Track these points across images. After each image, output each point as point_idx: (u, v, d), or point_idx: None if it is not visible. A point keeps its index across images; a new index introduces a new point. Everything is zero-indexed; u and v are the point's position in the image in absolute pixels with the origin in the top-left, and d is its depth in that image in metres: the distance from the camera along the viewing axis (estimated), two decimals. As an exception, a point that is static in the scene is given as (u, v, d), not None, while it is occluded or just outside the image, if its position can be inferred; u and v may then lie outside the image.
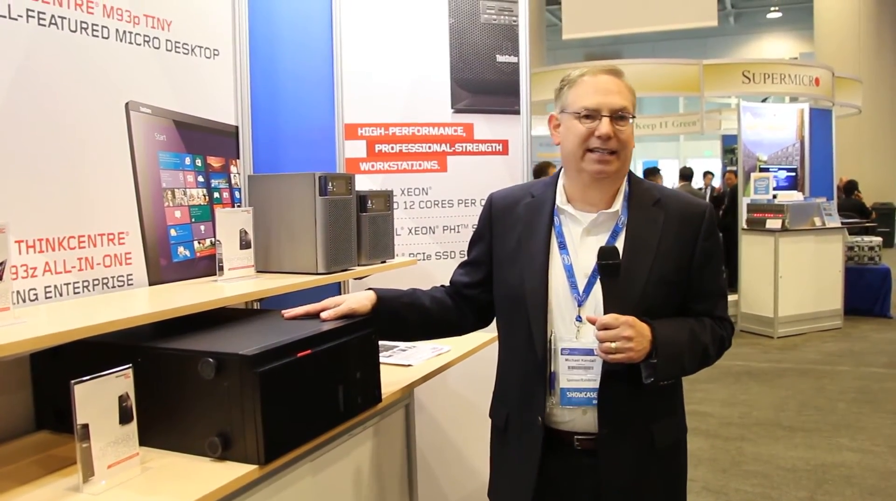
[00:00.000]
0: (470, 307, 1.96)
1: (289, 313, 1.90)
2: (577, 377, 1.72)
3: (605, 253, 1.64)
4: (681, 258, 1.75)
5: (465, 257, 2.01)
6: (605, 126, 1.69)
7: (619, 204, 1.76)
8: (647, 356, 1.64)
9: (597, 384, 1.71)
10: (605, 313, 1.63)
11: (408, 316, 1.91)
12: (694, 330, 1.74)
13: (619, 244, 1.72)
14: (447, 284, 2.01)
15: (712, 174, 14.78)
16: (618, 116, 1.70)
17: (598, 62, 1.86)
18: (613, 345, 1.61)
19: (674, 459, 1.84)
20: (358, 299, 1.88)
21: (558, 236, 1.78)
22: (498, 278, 1.88)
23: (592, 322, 1.64)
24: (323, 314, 1.85)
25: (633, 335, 1.61)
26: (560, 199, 1.81)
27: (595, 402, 1.71)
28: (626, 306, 1.65)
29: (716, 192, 13.01)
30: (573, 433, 1.74)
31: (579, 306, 1.73)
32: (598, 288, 1.70)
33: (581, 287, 1.73)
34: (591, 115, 1.70)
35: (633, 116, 1.73)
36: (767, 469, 4.37)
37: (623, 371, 1.67)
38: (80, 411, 1.40)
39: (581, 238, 1.77)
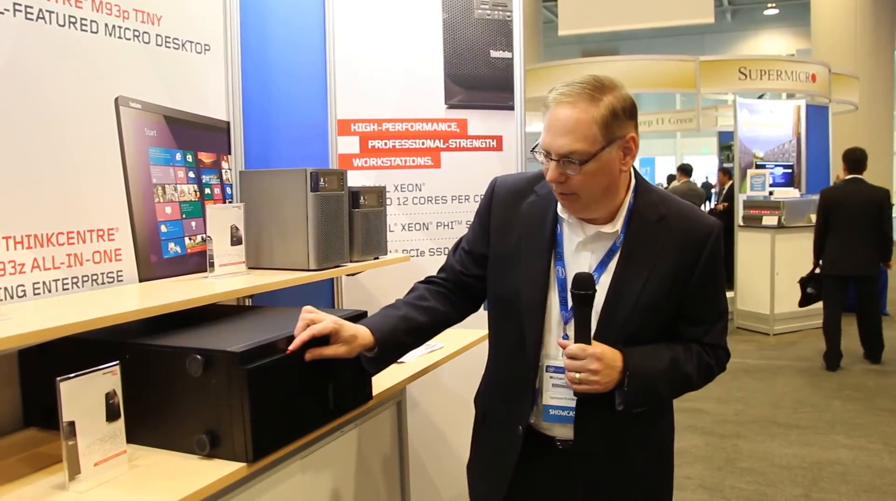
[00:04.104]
0: (465, 294, 1.87)
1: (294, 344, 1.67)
2: (559, 394, 1.68)
3: (579, 282, 1.57)
4: (675, 283, 1.65)
5: (465, 235, 1.90)
6: (550, 172, 1.58)
7: (619, 223, 1.66)
8: (619, 384, 1.60)
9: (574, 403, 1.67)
10: (576, 341, 1.58)
11: (406, 341, 1.79)
12: (676, 358, 1.67)
13: (613, 264, 1.65)
14: (433, 277, 1.90)
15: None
16: (564, 160, 1.55)
17: (582, 67, 1.70)
18: (577, 376, 1.57)
19: (656, 470, 1.80)
20: (352, 334, 1.68)
21: (558, 245, 1.71)
22: (493, 275, 1.81)
23: (563, 348, 1.60)
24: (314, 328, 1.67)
25: (600, 368, 1.56)
26: (562, 208, 1.71)
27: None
28: (607, 332, 1.61)
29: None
30: (554, 437, 1.72)
31: (565, 323, 1.67)
32: None
33: (569, 304, 1.64)
34: (546, 153, 1.59)
35: (590, 158, 1.54)
36: (763, 467, 4.36)
37: (599, 394, 1.61)
38: (66, 408, 1.39)
39: (576, 252, 1.69)
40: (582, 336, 1.58)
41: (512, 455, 1.73)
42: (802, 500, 3.91)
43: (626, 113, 1.58)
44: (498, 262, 1.79)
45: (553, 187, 1.63)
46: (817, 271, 6.58)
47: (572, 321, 1.62)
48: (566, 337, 1.64)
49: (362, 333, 1.68)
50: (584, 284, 1.56)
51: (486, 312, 1.90)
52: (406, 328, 1.76)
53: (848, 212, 6.42)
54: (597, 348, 1.57)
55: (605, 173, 1.58)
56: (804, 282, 6.70)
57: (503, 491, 1.75)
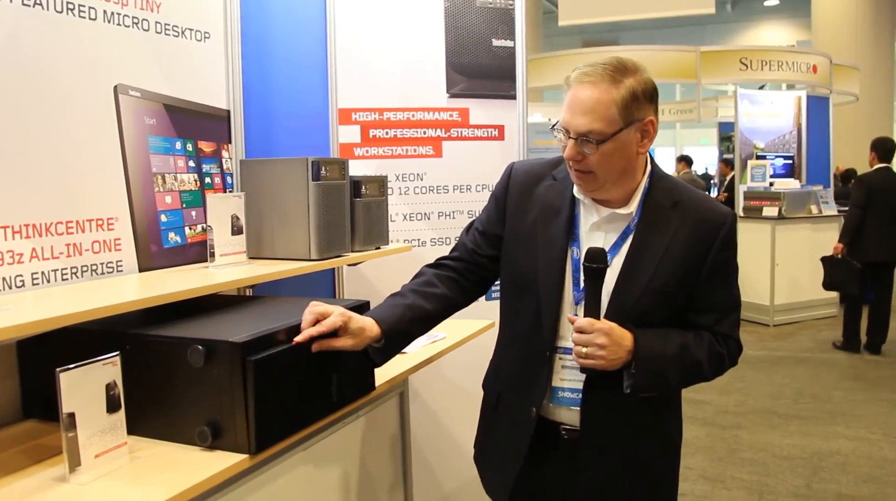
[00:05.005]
0: (476, 275, 1.84)
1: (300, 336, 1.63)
2: (568, 376, 1.68)
3: (592, 255, 1.58)
4: (687, 269, 1.65)
5: (478, 217, 1.88)
6: (568, 149, 1.59)
7: (634, 204, 1.66)
8: (627, 365, 1.59)
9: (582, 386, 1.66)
10: (585, 316, 1.58)
11: (413, 330, 1.78)
12: (686, 345, 1.65)
13: (626, 246, 1.65)
14: (443, 259, 1.87)
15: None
16: (582, 139, 1.57)
17: (600, 54, 1.67)
18: (584, 350, 1.56)
19: (661, 465, 1.78)
20: (360, 326, 1.66)
21: (575, 227, 1.71)
22: (509, 256, 1.79)
23: (572, 323, 1.59)
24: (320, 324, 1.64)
25: (607, 343, 1.55)
26: (578, 188, 1.70)
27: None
28: (617, 313, 1.60)
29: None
30: (560, 423, 1.71)
31: (576, 304, 1.67)
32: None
33: (581, 284, 1.64)
34: (565, 131, 1.60)
35: (607, 138, 1.56)
36: (763, 457, 4.37)
37: (608, 377, 1.61)
38: (66, 399, 1.38)
39: (589, 232, 1.69)
40: (592, 311, 1.59)
41: (523, 440, 1.72)
42: (803, 490, 3.91)
43: (647, 96, 1.60)
44: (513, 243, 1.78)
45: (569, 165, 1.64)
46: (838, 255, 6.61)
47: (583, 303, 1.62)
48: (576, 316, 1.64)
49: (369, 324, 1.67)
50: (597, 257, 1.58)
51: (487, 302, 1.89)
52: (412, 317, 1.74)
53: (884, 199, 6.49)
54: (605, 323, 1.57)
55: (621, 154, 1.60)
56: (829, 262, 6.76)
57: (512, 480, 1.74)
